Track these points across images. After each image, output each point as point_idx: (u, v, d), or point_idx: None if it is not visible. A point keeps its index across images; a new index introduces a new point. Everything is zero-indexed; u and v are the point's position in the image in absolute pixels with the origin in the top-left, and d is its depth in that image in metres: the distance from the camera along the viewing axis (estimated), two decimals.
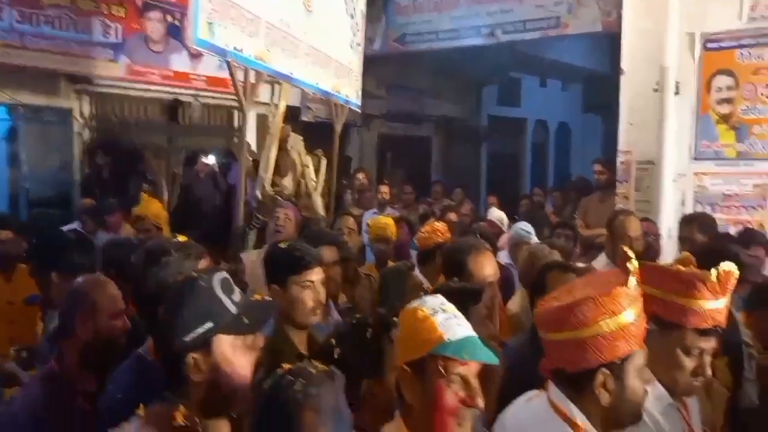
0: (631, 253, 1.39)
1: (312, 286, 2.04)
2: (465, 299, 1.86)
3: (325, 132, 6.45)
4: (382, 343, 1.66)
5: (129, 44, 7.09)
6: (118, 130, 6.88)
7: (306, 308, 2.03)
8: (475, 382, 1.38)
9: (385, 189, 6.03)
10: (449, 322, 1.39)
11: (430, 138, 10.75)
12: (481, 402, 1.37)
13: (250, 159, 5.20)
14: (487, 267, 2.41)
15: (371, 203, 6.22)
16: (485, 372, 1.46)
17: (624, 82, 5.31)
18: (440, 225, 3.31)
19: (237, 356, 1.27)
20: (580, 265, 2.88)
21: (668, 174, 5.04)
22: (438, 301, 1.47)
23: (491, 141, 11.80)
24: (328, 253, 2.58)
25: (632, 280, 1.34)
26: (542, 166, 13.00)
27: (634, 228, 3.50)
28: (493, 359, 1.38)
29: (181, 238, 1.90)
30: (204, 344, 1.24)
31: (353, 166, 8.91)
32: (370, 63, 8.92)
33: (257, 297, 1.43)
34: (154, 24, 7.33)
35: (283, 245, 2.15)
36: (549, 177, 12.61)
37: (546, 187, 9.62)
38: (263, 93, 7.69)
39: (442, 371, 1.35)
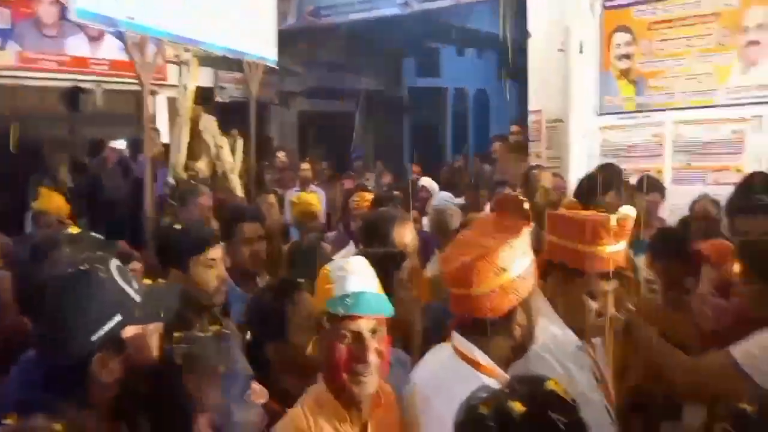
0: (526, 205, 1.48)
1: (215, 264, 1.99)
2: (387, 264, 1.87)
3: (242, 112, 6.27)
4: (283, 305, 1.64)
5: (18, 30, 6.58)
6: (11, 123, 6.39)
7: (211, 288, 1.97)
8: (368, 337, 1.34)
9: (306, 166, 5.96)
10: (341, 277, 1.36)
11: (352, 113, 10.69)
12: (371, 356, 1.33)
13: (159, 144, 4.99)
14: (407, 235, 2.42)
15: (293, 182, 6.14)
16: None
17: (531, 45, 5.47)
18: (368, 194, 3.38)
19: (148, 344, 1.21)
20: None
21: (576, 130, 5.25)
22: (344, 261, 1.45)
23: (413, 112, 11.88)
24: (251, 228, 2.53)
25: (526, 229, 1.44)
26: (463, 133, 13.26)
27: (547, 179, 3.65)
28: (382, 311, 1.36)
29: (73, 230, 1.78)
30: (113, 340, 1.16)
31: (275, 145, 8.74)
32: (286, 39, 8.69)
33: (158, 281, 1.37)
34: (46, 7, 6.83)
35: (177, 226, 2.07)
36: (470, 144, 12.88)
37: (467, 153, 9.85)
38: (172, 75, 7.40)
39: (331, 327, 1.33)
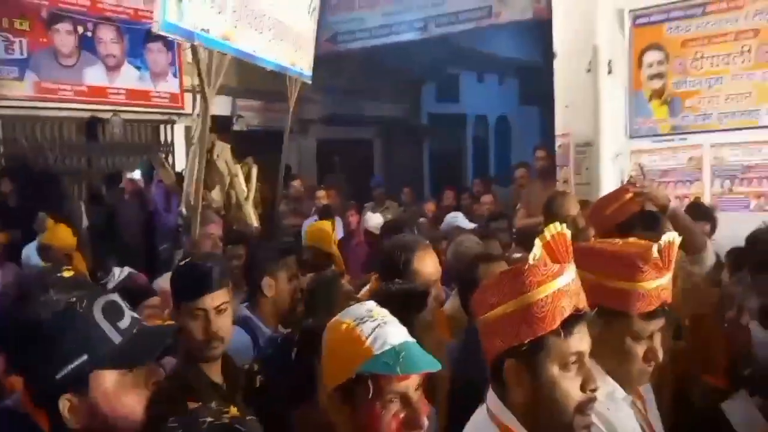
0: (551, 230, 1.20)
1: (203, 316, 1.71)
2: (409, 304, 1.67)
3: (260, 141, 6.16)
4: (311, 363, 1.40)
5: (36, 60, 6.59)
6: (29, 154, 6.34)
7: (195, 341, 1.70)
8: (416, 397, 1.14)
9: (322, 194, 5.78)
10: (378, 331, 1.16)
11: (371, 140, 10.57)
12: (425, 420, 1.14)
13: (172, 173, 4.88)
14: (430, 264, 2.19)
15: (309, 211, 5.96)
16: (430, 379, 1.24)
17: (557, 65, 5.27)
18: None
19: (122, 394, 1.05)
20: (516, 255, 2.72)
21: (606, 154, 5.01)
22: (365, 308, 1.23)
23: (433, 139, 11.75)
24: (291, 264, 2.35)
25: (535, 253, 1.16)
26: (484, 160, 13.06)
27: (573, 206, 3.38)
28: (434, 365, 1.16)
29: (67, 273, 1.58)
30: (79, 381, 1.04)
31: (293, 173, 8.62)
32: None
33: (157, 322, 1.17)
34: (64, 36, 6.85)
35: (185, 262, 1.81)
36: (491, 170, 12.66)
37: (489, 179, 9.61)
38: (189, 103, 7.36)
39: (376, 392, 1.12)
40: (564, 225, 1.25)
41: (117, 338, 1.06)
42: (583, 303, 1.21)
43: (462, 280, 2.24)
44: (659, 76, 4.79)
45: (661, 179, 4.83)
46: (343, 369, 1.14)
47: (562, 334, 1.15)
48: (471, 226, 4.50)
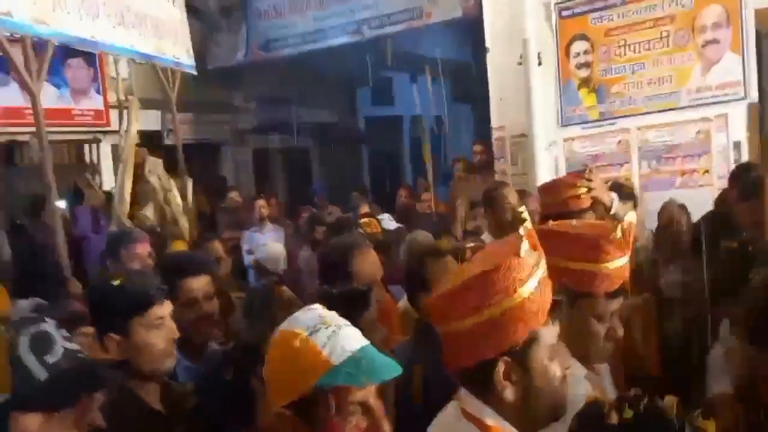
0: (525, 215, 1.17)
1: (163, 324, 1.61)
2: (352, 305, 1.63)
3: (194, 154, 5.94)
4: (250, 382, 1.33)
5: None
6: None
7: (158, 352, 1.60)
8: (377, 405, 1.08)
9: (262, 203, 5.64)
10: (334, 339, 1.08)
11: (308, 147, 10.47)
12: (387, 427, 1.09)
13: (100, 193, 4.65)
14: (370, 265, 2.22)
15: (248, 222, 5.81)
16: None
17: (490, 60, 5.38)
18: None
19: None
20: (470, 245, 2.74)
21: (540, 144, 5.14)
22: (314, 314, 1.15)
23: (370, 142, 11.77)
24: (198, 283, 2.04)
25: (524, 245, 1.10)
26: (421, 160, 13.20)
27: (512, 196, 3.46)
28: (395, 370, 1.10)
29: None
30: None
31: (229, 185, 8.40)
32: (236, 75, 8.50)
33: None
34: None
35: (115, 282, 1.67)
36: (428, 170, 12.81)
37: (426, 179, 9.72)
38: (115, 120, 7.02)
39: (337, 405, 1.05)
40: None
41: (42, 375, 0.96)
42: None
43: (409, 276, 2.19)
44: (586, 65, 4.98)
45: (593, 164, 5.01)
46: (298, 383, 1.06)
47: (549, 323, 1.14)
48: (395, 226, 4.56)
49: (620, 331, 1.58)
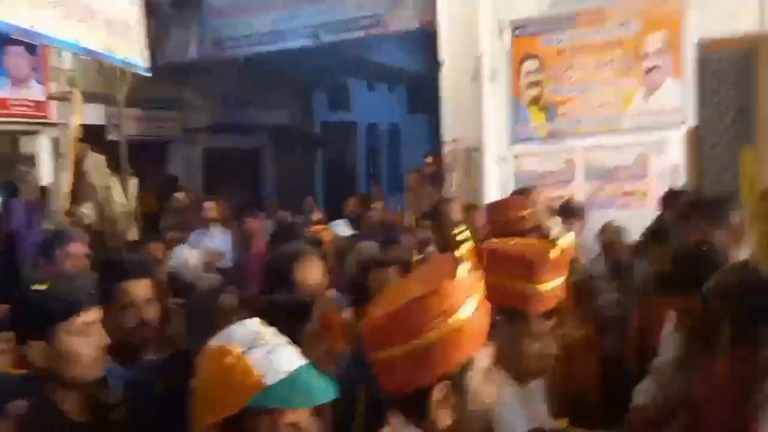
0: (465, 235, 1.16)
1: (91, 329, 1.53)
2: (293, 316, 1.60)
3: (141, 150, 5.74)
4: (182, 396, 1.25)
5: None
6: None
7: (85, 360, 1.51)
8: (311, 428, 1.06)
9: (210, 205, 5.49)
10: (269, 358, 1.05)
11: (260, 149, 10.31)
12: None
13: (36, 187, 4.43)
14: (314, 274, 2.14)
15: (195, 223, 5.65)
16: None
17: (444, 73, 5.42)
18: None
19: None
20: (419, 257, 2.74)
21: (491, 159, 5.22)
22: (251, 329, 1.11)
23: (325, 147, 11.70)
24: (141, 288, 1.94)
25: (462, 267, 1.07)
26: (377, 168, 13.23)
27: (456, 211, 3.51)
28: (329, 394, 1.07)
29: None
30: None
31: (180, 184, 8.16)
32: (189, 72, 8.28)
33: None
34: None
35: (38, 287, 1.57)
36: (383, 178, 12.86)
37: (381, 188, 9.77)
38: (55, 111, 6.72)
39: (268, 426, 1.02)
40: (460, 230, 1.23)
41: None
42: None
43: (352, 286, 2.17)
44: (536, 83, 5.09)
45: (541, 181, 5.12)
46: (229, 402, 1.02)
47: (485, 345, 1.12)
48: (350, 233, 4.54)
49: (554, 350, 1.60)
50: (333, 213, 6.73)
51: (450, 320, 1.04)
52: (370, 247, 3.51)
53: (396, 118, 13.48)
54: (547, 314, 1.54)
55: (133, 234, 4.67)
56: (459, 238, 1.16)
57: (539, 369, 1.61)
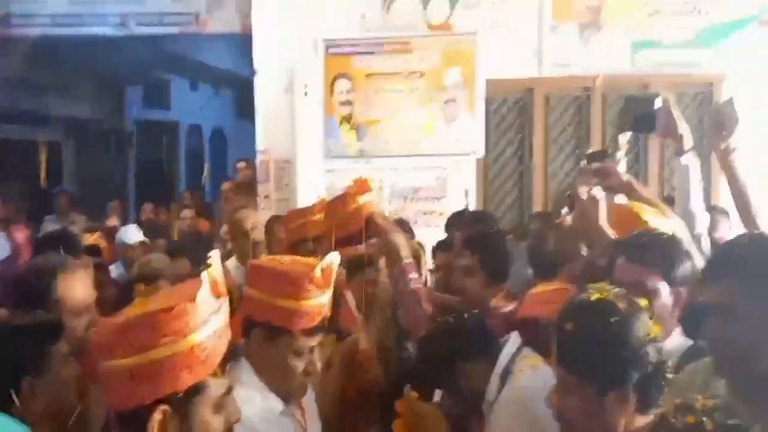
0: (212, 260, 1.13)
1: None
2: (40, 337, 1.51)
3: None
4: None
5: None
6: None
7: None
8: None
9: None
10: None
11: (58, 143, 9.22)
12: None
13: None
14: (78, 289, 1.96)
15: None
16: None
17: (258, 82, 5.34)
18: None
19: None
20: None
21: (302, 172, 5.23)
22: None
23: (139, 147, 10.84)
24: None
25: (203, 291, 1.07)
26: (198, 173, 12.60)
27: (251, 221, 3.48)
28: None
29: None
30: None
31: None
32: None
33: None
34: None
35: None
36: (208, 184, 12.31)
37: (202, 194, 9.33)
38: None
39: None
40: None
41: None
42: None
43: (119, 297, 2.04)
44: (348, 103, 5.23)
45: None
46: None
47: (219, 374, 1.10)
48: (139, 239, 4.36)
49: (318, 367, 1.65)
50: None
51: (182, 340, 1.03)
52: (156, 259, 3.34)
53: (221, 122, 12.99)
54: (310, 331, 1.59)
55: None
56: (208, 261, 1.13)
57: (303, 386, 1.65)
